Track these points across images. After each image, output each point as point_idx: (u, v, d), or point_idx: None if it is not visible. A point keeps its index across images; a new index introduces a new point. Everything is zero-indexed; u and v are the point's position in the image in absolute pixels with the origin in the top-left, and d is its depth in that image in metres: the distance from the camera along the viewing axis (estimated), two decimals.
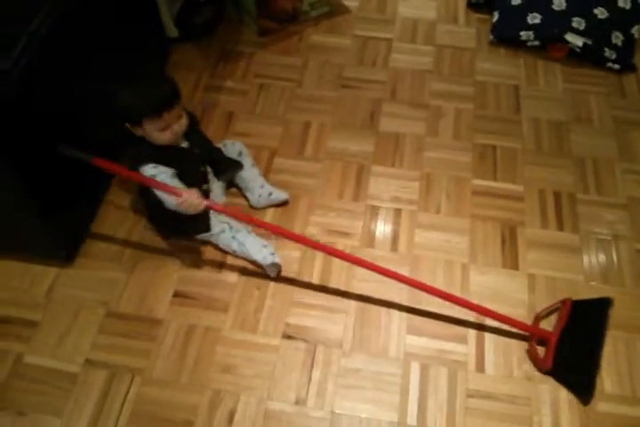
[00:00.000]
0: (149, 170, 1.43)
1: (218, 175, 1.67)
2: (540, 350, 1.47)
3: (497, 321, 1.49)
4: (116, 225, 1.70)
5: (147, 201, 1.63)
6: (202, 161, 1.60)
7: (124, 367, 1.45)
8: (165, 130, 1.41)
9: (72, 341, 1.49)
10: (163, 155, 1.46)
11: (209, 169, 1.64)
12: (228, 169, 1.69)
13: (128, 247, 1.66)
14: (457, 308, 1.54)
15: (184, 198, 1.37)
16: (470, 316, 1.54)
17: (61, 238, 1.58)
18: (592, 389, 1.41)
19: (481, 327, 1.52)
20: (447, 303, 1.55)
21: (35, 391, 1.42)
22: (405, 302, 1.57)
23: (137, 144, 1.46)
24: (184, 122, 1.46)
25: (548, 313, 1.54)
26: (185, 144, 1.54)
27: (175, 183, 1.42)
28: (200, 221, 1.58)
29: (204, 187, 1.60)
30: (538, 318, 1.53)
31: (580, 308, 1.51)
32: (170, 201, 1.41)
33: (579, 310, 1.50)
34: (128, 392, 1.41)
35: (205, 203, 1.39)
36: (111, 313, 1.54)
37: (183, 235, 1.65)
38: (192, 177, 1.51)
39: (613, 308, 1.52)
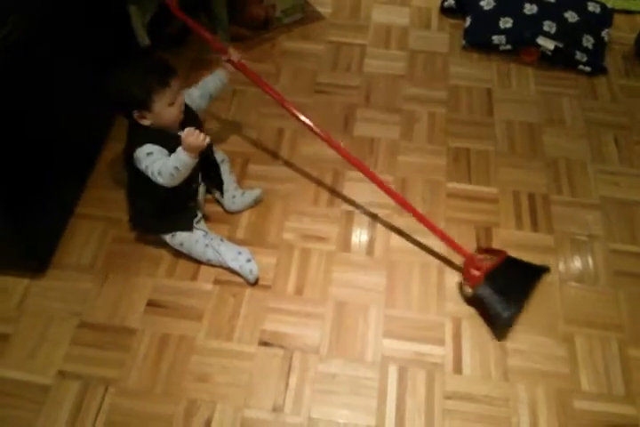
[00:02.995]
0: (147, 148, 1.41)
1: (204, 180, 1.66)
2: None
3: (440, 239, 1.59)
4: (87, 235, 1.68)
5: (132, 196, 1.63)
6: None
7: (98, 378, 1.42)
8: (173, 104, 1.42)
9: (44, 353, 1.47)
10: (162, 138, 1.43)
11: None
12: (214, 181, 1.69)
13: (100, 257, 1.64)
14: (433, 310, 1.55)
15: (190, 130, 1.33)
16: (447, 318, 1.54)
17: (32, 249, 1.56)
18: (507, 326, 1.50)
19: (458, 329, 1.52)
20: (424, 306, 1.56)
21: (6, 405, 1.39)
22: (382, 306, 1.56)
23: (137, 132, 1.46)
24: (182, 98, 1.47)
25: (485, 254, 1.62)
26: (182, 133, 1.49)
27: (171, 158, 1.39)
28: (182, 218, 1.58)
29: (194, 186, 1.59)
30: (474, 253, 1.61)
31: (516, 263, 1.59)
32: (169, 168, 1.36)
33: (514, 264, 1.59)
34: (102, 403, 1.39)
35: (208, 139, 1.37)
36: (84, 324, 1.51)
37: (164, 231, 1.61)
38: None
39: (548, 275, 1.62)
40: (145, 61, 1.47)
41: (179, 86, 1.44)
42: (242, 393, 1.41)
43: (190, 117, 1.53)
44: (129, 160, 1.46)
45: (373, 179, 1.62)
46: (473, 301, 1.55)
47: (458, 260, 1.64)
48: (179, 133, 1.40)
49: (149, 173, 1.40)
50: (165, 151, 1.42)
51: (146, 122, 1.43)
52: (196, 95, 1.63)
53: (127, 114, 1.44)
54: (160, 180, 1.39)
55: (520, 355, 1.48)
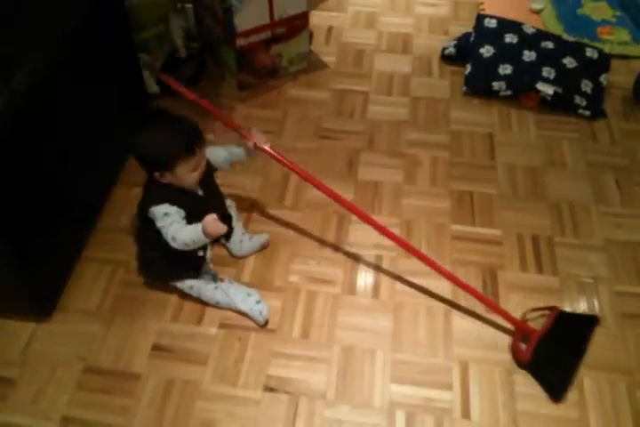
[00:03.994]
0: (164, 208, 1.41)
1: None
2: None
3: (486, 306, 1.59)
4: (94, 278, 1.69)
5: (143, 247, 1.62)
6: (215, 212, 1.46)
7: (102, 425, 1.40)
8: (195, 170, 1.41)
9: (48, 398, 1.45)
10: (180, 198, 1.43)
11: None
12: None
13: (107, 300, 1.64)
14: (440, 353, 1.54)
15: (212, 217, 1.34)
16: (455, 361, 1.53)
17: (39, 293, 1.56)
18: (565, 389, 1.47)
19: (465, 373, 1.50)
20: (431, 350, 1.55)
21: None
22: (389, 350, 1.55)
23: (155, 188, 1.45)
24: (205, 163, 1.45)
25: (535, 315, 1.61)
26: (200, 192, 1.52)
27: (185, 224, 1.41)
28: (192, 267, 1.59)
29: None
30: (524, 317, 1.58)
31: (567, 318, 1.59)
32: (184, 235, 1.38)
33: (565, 319, 1.57)
34: None
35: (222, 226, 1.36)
36: (89, 368, 1.51)
37: (173, 279, 1.62)
38: None
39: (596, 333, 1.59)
40: (174, 124, 1.41)
41: (204, 153, 1.43)
42: None
43: (207, 174, 1.52)
44: (144, 213, 1.46)
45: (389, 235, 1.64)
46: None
47: (464, 302, 1.65)
48: (198, 193, 1.49)
49: (163, 234, 1.41)
50: (182, 212, 1.42)
51: (165, 180, 1.43)
52: (221, 159, 1.60)
53: (148, 171, 1.45)
54: (173, 244, 1.40)
55: (529, 399, 1.46)
